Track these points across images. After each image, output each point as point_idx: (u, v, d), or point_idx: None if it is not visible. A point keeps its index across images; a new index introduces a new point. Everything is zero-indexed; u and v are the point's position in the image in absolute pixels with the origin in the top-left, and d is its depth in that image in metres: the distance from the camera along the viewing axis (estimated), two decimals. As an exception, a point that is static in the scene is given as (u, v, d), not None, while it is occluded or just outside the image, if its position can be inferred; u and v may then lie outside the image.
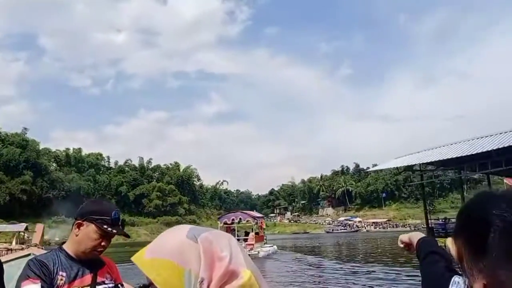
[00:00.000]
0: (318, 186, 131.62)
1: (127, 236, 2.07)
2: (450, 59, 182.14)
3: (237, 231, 27.44)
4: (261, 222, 29.50)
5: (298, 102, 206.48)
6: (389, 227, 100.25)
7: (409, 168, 28.82)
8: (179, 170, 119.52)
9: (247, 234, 27.24)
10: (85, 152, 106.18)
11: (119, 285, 2.08)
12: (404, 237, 1.61)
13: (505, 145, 18.31)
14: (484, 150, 20.28)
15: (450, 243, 0.62)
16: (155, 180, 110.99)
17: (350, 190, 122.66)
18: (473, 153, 20.86)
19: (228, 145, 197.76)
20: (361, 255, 28.57)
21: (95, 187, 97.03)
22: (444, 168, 27.19)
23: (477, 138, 22.62)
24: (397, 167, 28.93)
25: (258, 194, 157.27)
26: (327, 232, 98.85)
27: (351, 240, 53.29)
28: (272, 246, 29.57)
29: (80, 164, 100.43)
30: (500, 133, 20.46)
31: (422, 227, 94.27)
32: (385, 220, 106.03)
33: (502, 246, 0.53)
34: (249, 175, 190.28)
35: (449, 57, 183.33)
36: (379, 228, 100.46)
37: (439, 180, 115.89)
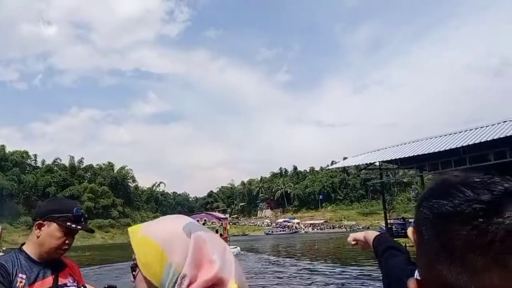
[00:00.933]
0: (258, 188, 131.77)
1: (92, 231, 2.04)
2: (381, 69, 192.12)
3: None
4: (225, 223, 28.86)
5: (238, 105, 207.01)
6: (327, 228, 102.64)
7: (369, 165, 28.47)
8: (113, 171, 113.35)
9: None
10: (9, 149, 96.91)
11: (82, 287, 2.02)
12: (358, 235, 1.63)
13: (476, 142, 18.33)
14: (449, 148, 20.25)
15: (410, 234, 0.57)
16: (86, 181, 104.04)
17: (288, 192, 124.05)
18: (438, 150, 20.80)
19: (166, 146, 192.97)
20: (328, 255, 27.94)
21: (20, 187, 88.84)
22: (406, 167, 27.14)
23: (441, 136, 22.67)
24: (359, 165, 28.56)
25: (196, 197, 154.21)
26: (267, 233, 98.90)
27: (297, 241, 53.08)
28: (236, 247, 28.70)
29: (3, 163, 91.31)
30: (466, 131, 20.58)
31: (358, 228, 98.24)
32: (322, 221, 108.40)
33: (431, 239, 0.49)
34: (187, 177, 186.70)
35: (380, 66, 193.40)
36: (317, 229, 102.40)
37: (372, 183, 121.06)
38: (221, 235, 26.77)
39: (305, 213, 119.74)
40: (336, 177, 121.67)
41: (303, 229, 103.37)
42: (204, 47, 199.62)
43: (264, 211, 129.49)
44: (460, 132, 20.74)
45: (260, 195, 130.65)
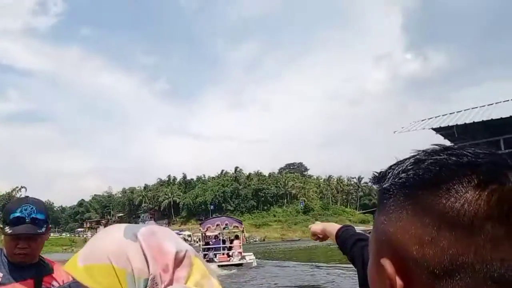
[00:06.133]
0: (141, 197, 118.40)
1: (39, 233, 1.75)
2: (256, 88, 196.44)
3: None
4: (243, 228, 27.52)
5: (112, 111, 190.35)
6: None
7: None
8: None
9: (223, 242, 26.03)
10: None
11: None
12: (315, 228, 1.58)
13: None
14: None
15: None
16: None
17: (177, 201, 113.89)
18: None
19: (25, 150, 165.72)
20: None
21: None
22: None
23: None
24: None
25: (61, 206, 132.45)
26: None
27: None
28: (251, 254, 26.10)
29: None
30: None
31: (254, 240, 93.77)
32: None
33: (421, 214, 0.41)
34: (51, 184, 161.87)
35: (255, 86, 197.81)
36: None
37: (263, 193, 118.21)
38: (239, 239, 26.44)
39: (194, 225, 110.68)
40: (227, 186, 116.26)
41: (197, 242, 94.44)
42: (77, 45, 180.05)
43: (146, 222, 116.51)
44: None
45: (143, 204, 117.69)
